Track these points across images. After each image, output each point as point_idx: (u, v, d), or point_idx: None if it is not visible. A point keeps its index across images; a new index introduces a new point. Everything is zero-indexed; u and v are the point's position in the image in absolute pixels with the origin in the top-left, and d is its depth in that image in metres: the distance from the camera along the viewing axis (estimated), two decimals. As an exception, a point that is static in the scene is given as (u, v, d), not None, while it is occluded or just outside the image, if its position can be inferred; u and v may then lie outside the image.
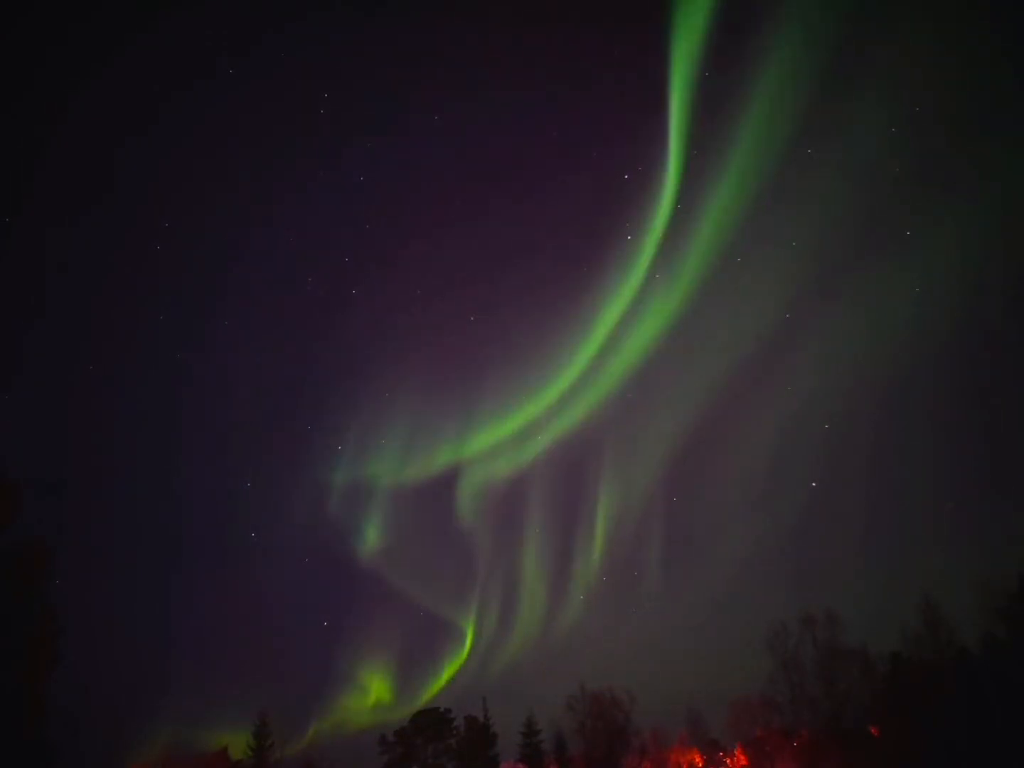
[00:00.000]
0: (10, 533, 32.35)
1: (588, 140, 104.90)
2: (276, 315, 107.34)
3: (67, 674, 34.47)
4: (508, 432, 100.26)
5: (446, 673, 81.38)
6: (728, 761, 74.30)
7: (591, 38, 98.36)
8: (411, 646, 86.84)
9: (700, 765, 73.96)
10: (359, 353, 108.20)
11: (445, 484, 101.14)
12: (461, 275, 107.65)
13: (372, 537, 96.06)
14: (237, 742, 55.87)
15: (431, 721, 66.80)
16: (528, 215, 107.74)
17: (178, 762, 47.96)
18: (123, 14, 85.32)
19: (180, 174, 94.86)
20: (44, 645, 31.75)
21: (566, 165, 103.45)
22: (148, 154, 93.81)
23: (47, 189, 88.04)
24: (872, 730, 53.14)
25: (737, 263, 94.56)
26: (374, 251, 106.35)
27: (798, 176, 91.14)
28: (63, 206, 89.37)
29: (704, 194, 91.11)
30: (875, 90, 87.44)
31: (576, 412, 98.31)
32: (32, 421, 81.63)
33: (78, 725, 40.01)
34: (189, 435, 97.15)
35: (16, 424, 76.10)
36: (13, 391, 78.76)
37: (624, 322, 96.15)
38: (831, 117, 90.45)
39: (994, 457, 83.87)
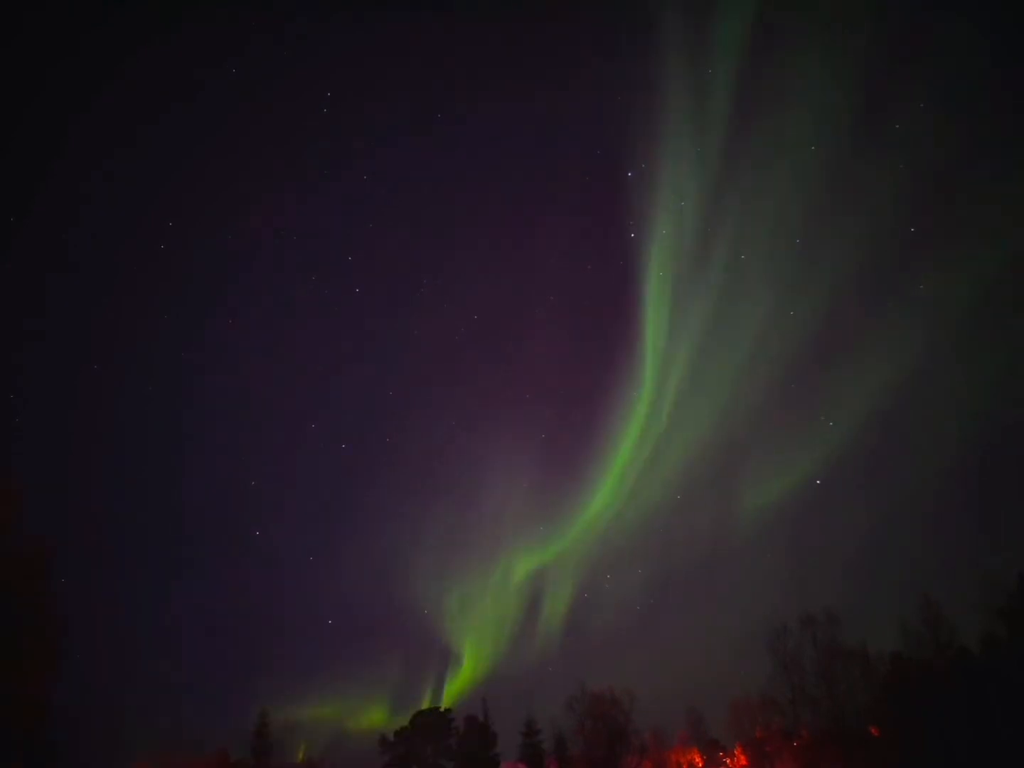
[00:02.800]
0: (11, 533, 32.37)
1: (592, 135, 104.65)
2: (279, 314, 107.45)
3: (67, 674, 34.50)
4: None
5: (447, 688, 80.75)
6: (728, 761, 74.28)
7: (594, 36, 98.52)
8: (415, 649, 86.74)
9: (700, 765, 73.95)
10: (361, 352, 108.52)
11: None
12: (464, 272, 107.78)
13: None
14: (237, 742, 55.80)
15: (431, 721, 66.83)
16: (533, 211, 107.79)
17: (178, 762, 47.86)
18: (129, 16, 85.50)
19: (184, 174, 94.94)
20: (44, 645, 31.74)
21: (571, 161, 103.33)
22: (152, 154, 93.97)
23: (52, 189, 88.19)
24: (872, 730, 53.12)
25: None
26: (377, 250, 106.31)
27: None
28: (67, 206, 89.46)
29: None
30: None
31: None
32: (36, 421, 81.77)
33: (78, 725, 39.98)
34: (193, 434, 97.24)
35: (20, 424, 76.24)
36: (17, 391, 78.84)
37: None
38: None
39: (995, 455, 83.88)
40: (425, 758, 65.05)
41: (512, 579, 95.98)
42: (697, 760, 73.89)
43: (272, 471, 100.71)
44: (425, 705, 70.36)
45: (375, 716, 76.91)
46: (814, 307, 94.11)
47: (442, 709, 68.51)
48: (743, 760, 70.43)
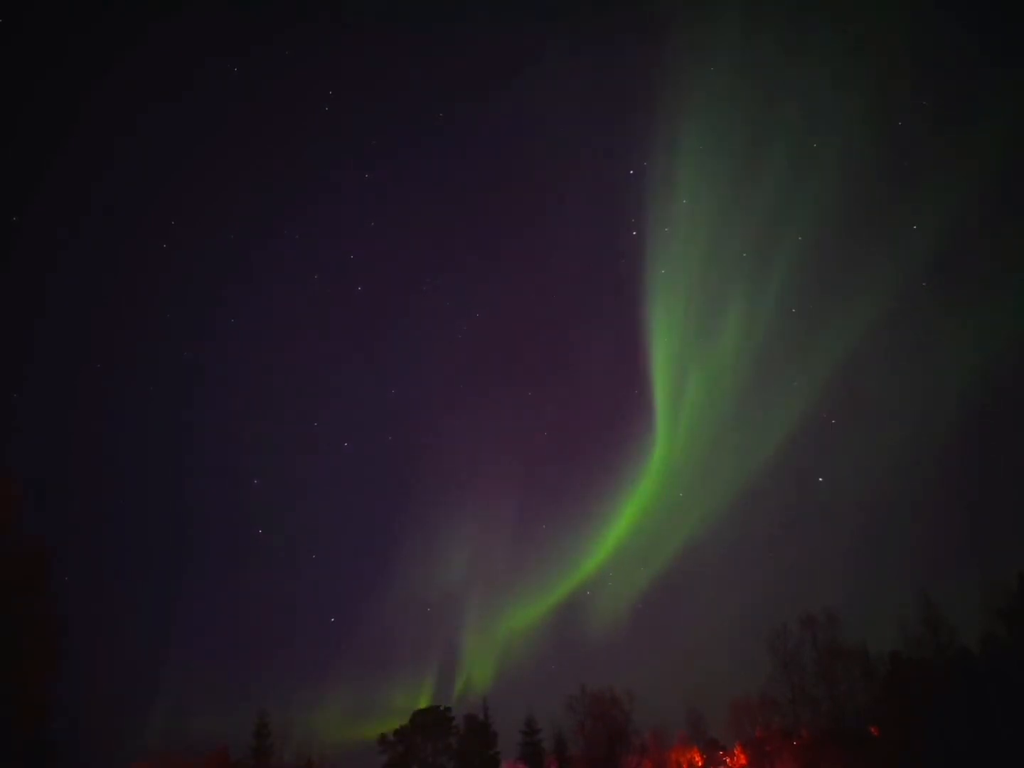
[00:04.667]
0: (11, 533, 32.39)
1: (594, 133, 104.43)
2: (282, 313, 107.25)
3: (67, 674, 34.48)
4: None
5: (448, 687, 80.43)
6: (728, 761, 74.35)
7: (597, 33, 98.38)
8: (418, 648, 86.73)
9: (700, 765, 74.01)
10: (363, 350, 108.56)
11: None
12: (466, 271, 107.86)
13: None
14: (238, 742, 55.74)
15: (431, 720, 66.78)
16: (535, 209, 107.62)
17: (178, 762, 47.85)
18: (129, 14, 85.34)
19: (186, 172, 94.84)
20: (44, 645, 31.75)
21: (573, 159, 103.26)
22: (154, 152, 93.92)
23: (54, 188, 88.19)
24: (872, 730, 53.12)
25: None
26: (379, 248, 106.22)
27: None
28: (70, 205, 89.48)
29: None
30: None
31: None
32: (38, 420, 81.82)
33: (78, 725, 39.98)
34: (196, 433, 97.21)
35: (22, 423, 76.27)
36: (20, 390, 78.85)
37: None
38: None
39: (996, 454, 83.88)
40: (425, 757, 65.00)
41: (513, 580, 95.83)
42: (697, 760, 73.94)
43: (274, 469, 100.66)
44: (426, 704, 70.43)
45: (376, 715, 76.99)
46: (817, 305, 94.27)
47: (442, 708, 68.50)
48: (743, 760, 70.48)
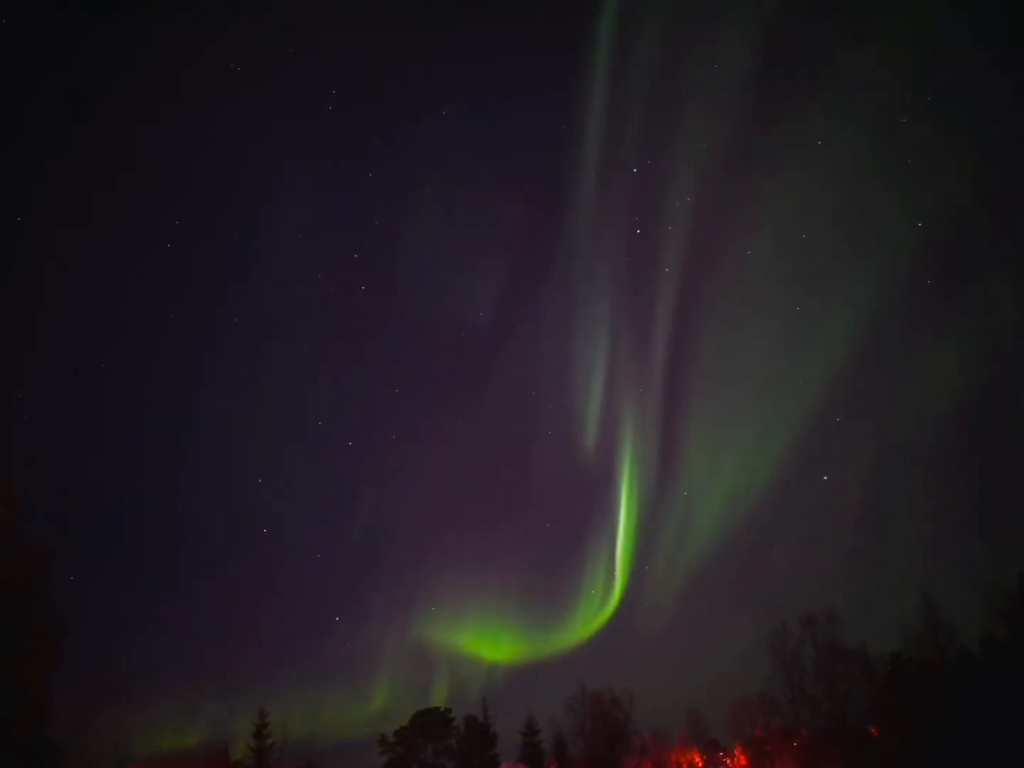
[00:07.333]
0: (11, 533, 32.40)
1: (596, 131, 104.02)
2: (286, 312, 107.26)
3: (67, 674, 34.49)
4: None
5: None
6: (728, 761, 74.39)
7: (599, 30, 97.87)
8: (417, 652, 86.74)
9: (700, 765, 74.07)
10: (367, 349, 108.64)
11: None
12: (467, 269, 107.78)
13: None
14: (238, 741, 55.73)
15: (431, 721, 66.75)
16: (538, 208, 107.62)
17: (178, 762, 47.83)
18: (132, 13, 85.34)
19: (188, 172, 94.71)
20: (44, 645, 31.75)
21: (575, 157, 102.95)
22: (155, 153, 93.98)
23: (56, 188, 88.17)
24: (872, 730, 53.15)
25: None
26: (383, 247, 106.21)
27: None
28: (72, 205, 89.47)
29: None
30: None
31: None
32: (39, 419, 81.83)
33: (78, 725, 39.91)
34: (199, 433, 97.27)
35: (24, 421, 76.36)
36: (21, 389, 78.90)
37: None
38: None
39: (996, 454, 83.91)
40: (425, 758, 64.99)
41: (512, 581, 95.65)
42: (697, 760, 74.00)
43: (278, 469, 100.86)
44: (427, 704, 70.35)
45: (377, 715, 76.95)
46: (821, 302, 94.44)
47: (442, 709, 68.46)
48: (743, 760, 70.49)
